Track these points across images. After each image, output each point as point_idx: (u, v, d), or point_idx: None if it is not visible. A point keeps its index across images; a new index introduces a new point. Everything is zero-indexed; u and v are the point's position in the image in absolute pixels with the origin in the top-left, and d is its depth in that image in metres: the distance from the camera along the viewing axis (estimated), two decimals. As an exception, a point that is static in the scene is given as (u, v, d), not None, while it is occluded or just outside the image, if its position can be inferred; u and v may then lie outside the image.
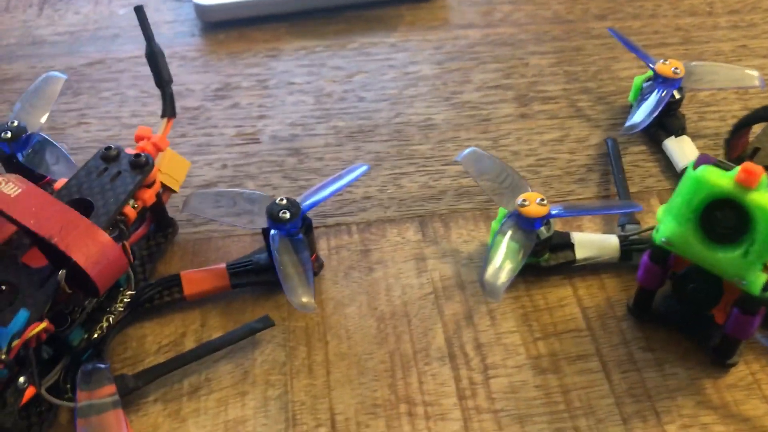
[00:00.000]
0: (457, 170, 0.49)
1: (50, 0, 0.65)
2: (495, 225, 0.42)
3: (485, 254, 0.39)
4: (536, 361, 0.39)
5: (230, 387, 0.39)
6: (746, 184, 0.32)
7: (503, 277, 0.38)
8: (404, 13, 0.61)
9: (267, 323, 0.40)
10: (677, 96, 0.48)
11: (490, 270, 0.38)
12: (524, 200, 0.40)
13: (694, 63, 0.49)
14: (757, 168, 0.32)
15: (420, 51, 0.58)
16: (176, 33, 0.61)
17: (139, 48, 0.59)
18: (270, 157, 0.50)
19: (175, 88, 0.54)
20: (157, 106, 0.54)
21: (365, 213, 0.47)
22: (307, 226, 0.40)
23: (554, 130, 0.51)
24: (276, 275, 0.40)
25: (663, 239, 0.35)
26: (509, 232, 0.40)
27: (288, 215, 0.39)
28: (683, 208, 0.34)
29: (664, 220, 0.35)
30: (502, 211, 0.42)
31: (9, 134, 0.44)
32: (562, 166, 0.49)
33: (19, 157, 0.45)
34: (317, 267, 0.43)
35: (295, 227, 0.39)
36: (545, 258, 0.42)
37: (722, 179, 0.32)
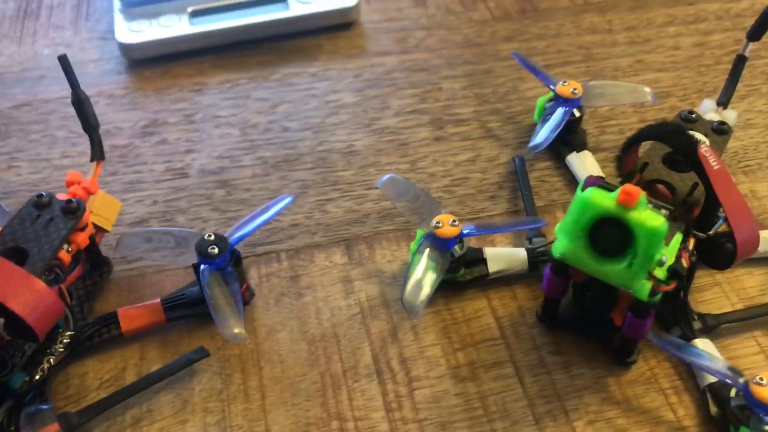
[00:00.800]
0: (379, 194, 0.52)
1: (-27, 42, 0.65)
2: (413, 246, 0.45)
3: (404, 275, 0.42)
4: (456, 370, 0.43)
5: (171, 416, 0.41)
6: (626, 203, 0.35)
7: (422, 296, 0.41)
8: (323, 43, 0.64)
9: (203, 354, 0.42)
10: (577, 114, 0.52)
11: (409, 289, 0.41)
12: (438, 222, 0.43)
13: (591, 83, 0.53)
14: (635, 189, 0.35)
15: (340, 79, 0.61)
16: (102, 71, 0.62)
17: (66, 89, 0.60)
18: (199, 190, 0.52)
19: (104, 126, 0.56)
20: (87, 146, 0.55)
21: (293, 240, 0.49)
22: (236, 259, 0.43)
23: (467, 151, 0.54)
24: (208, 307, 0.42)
25: (558, 254, 0.38)
26: (426, 252, 0.43)
27: (216, 250, 0.41)
28: (573, 227, 0.37)
29: (559, 237, 0.38)
30: (419, 233, 0.45)
31: None
32: (475, 185, 0.52)
33: None
34: (248, 296, 0.46)
35: (223, 261, 0.42)
36: (461, 273, 0.46)
37: (606, 200, 0.36)
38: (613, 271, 0.37)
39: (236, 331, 0.40)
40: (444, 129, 0.56)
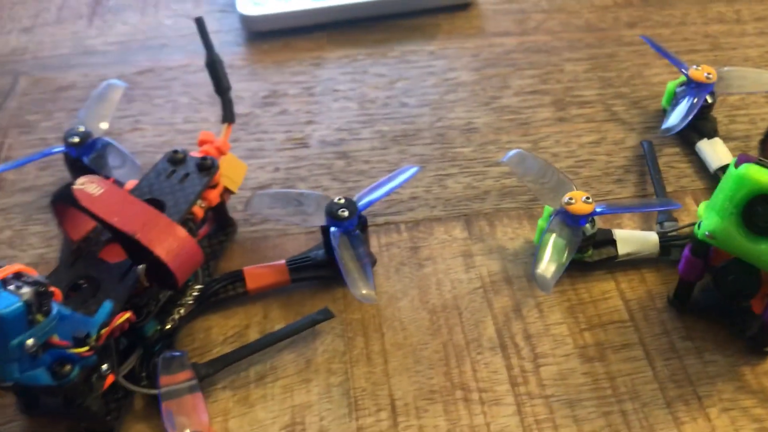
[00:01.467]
0: (500, 171, 0.51)
1: (99, 11, 0.67)
2: (541, 222, 0.44)
3: (535, 250, 0.41)
4: (583, 350, 0.42)
5: (295, 375, 0.41)
6: (787, 180, 0.34)
7: (553, 271, 0.40)
8: (441, 22, 0.64)
9: (327, 315, 0.42)
10: (709, 100, 0.51)
11: (541, 264, 0.41)
12: (570, 198, 0.42)
13: (725, 68, 0.51)
14: (797, 165, 0.34)
15: (458, 58, 0.60)
16: (222, 42, 0.63)
17: (187, 57, 0.62)
18: (319, 160, 0.53)
19: (225, 95, 0.57)
20: (208, 112, 0.56)
21: (412, 212, 0.49)
22: (362, 224, 0.43)
23: (591, 133, 0.53)
24: (333, 270, 0.42)
25: (706, 233, 0.37)
26: (557, 229, 0.42)
27: (347, 213, 0.41)
28: (726, 204, 0.36)
29: (707, 216, 0.37)
30: (547, 209, 0.44)
31: (77, 139, 0.47)
32: (601, 168, 0.51)
33: (85, 160, 0.48)
34: (371, 262, 0.46)
35: (352, 224, 0.42)
36: (589, 254, 0.45)
37: (764, 176, 0.35)
38: (767, 251, 0.35)
39: (365, 291, 0.40)
40: (567, 110, 0.55)
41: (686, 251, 0.40)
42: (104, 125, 0.50)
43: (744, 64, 0.58)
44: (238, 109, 0.57)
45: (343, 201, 0.42)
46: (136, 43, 0.64)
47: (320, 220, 0.43)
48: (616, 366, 0.41)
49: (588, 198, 0.42)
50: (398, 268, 0.46)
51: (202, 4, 0.68)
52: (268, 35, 0.63)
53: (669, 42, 0.60)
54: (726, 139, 0.52)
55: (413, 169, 0.46)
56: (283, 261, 0.45)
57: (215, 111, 0.56)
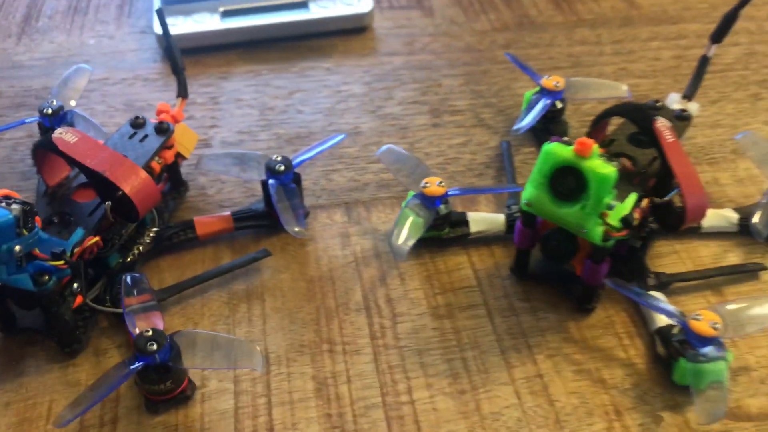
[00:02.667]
0: (379, 167, 0.58)
1: (28, 31, 0.73)
2: (404, 204, 0.51)
3: (393, 225, 0.48)
4: (435, 310, 0.48)
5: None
6: (581, 153, 0.41)
7: (407, 241, 0.47)
8: (338, 43, 0.71)
9: (265, 254, 0.51)
10: (559, 105, 0.58)
11: (397, 236, 0.47)
12: (426, 182, 0.49)
13: (573, 78, 0.59)
14: (589, 141, 0.41)
15: (351, 74, 0.68)
16: (140, 59, 0.70)
17: (107, 71, 0.68)
18: (220, 158, 0.59)
19: (138, 104, 0.64)
20: (122, 118, 0.63)
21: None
22: (297, 179, 0.51)
23: (460, 136, 0.61)
24: (271, 220, 0.52)
25: (525, 201, 0.44)
26: (414, 208, 0.49)
27: (283, 168, 0.49)
28: (537, 175, 0.43)
29: (526, 188, 0.44)
30: (410, 193, 0.51)
31: (50, 110, 0.55)
32: (465, 164, 0.58)
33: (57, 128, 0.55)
34: (305, 213, 0.53)
35: (288, 178, 0.50)
36: (446, 231, 0.51)
37: (564, 151, 0.42)
38: (569, 213, 0.43)
39: (297, 228, 0.48)
40: (441, 117, 0.63)
41: (518, 223, 0.47)
42: (73, 102, 0.57)
43: (598, 78, 0.66)
44: (150, 115, 0.63)
45: (280, 158, 0.50)
46: (61, 59, 0.70)
47: (260, 174, 0.50)
48: (461, 322, 0.47)
49: (441, 182, 0.49)
50: (283, 247, 0.52)
51: (123, 26, 0.74)
52: (182, 53, 0.69)
53: (536, 60, 0.68)
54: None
55: (340, 136, 0.54)
56: (228, 212, 0.52)
57: (128, 117, 0.63)
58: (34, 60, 0.70)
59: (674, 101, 0.56)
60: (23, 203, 0.41)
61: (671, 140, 0.46)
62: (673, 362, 0.43)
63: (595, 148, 0.42)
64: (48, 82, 0.67)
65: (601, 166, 0.41)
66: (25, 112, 0.64)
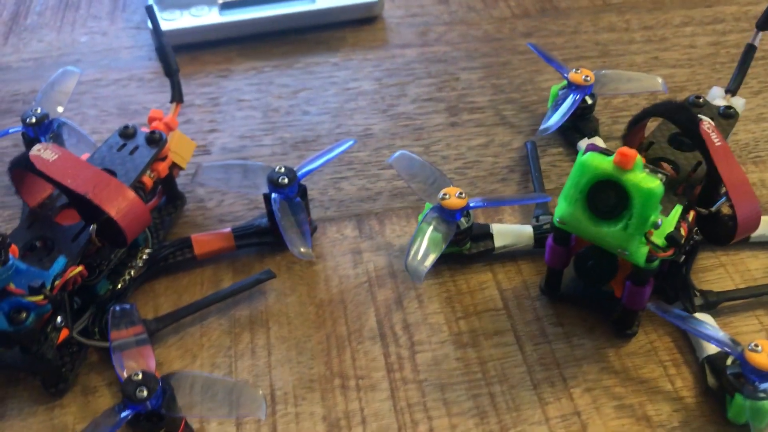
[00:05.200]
0: (392, 174, 0.53)
1: (15, 30, 0.69)
2: (420, 217, 0.46)
3: (408, 243, 0.43)
4: (457, 337, 0.44)
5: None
6: (622, 165, 0.36)
7: (425, 262, 0.42)
8: (347, 35, 0.66)
9: (270, 275, 0.46)
10: (589, 101, 0.53)
11: (413, 255, 0.43)
12: (445, 194, 0.44)
13: (603, 71, 0.54)
14: (631, 151, 0.36)
15: (360, 69, 0.63)
16: (134, 57, 0.65)
17: (100, 71, 0.64)
18: (220, 166, 0.54)
19: (133, 107, 0.59)
20: (115, 123, 0.58)
21: (307, 214, 0.51)
22: (302, 191, 0.46)
23: (481, 137, 0.56)
24: (275, 236, 0.47)
25: (558, 219, 0.39)
26: (432, 222, 0.44)
27: (287, 180, 0.45)
28: (572, 190, 0.38)
29: (559, 203, 0.40)
30: (427, 206, 0.46)
31: (34, 119, 0.50)
32: (487, 168, 0.53)
33: (42, 139, 0.51)
34: (312, 229, 0.48)
35: (292, 191, 0.45)
36: (467, 247, 0.47)
37: (603, 162, 0.37)
38: (609, 233, 0.38)
39: (303, 249, 0.43)
40: (459, 116, 0.58)
41: (549, 240, 0.42)
42: (60, 108, 0.52)
43: (630, 70, 0.61)
44: (144, 119, 0.58)
45: (283, 170, 0.45)
46: (51, 60, 0.65)
47: (263, 188, 0.45)
48: (487, 351, 0.43)
49: (461, 193, 0.44)
50: (289, 266, 0.48)
51: (117, 21, 0.69)
52: (178, 50, 0.64)
53: (561, 50, 0.63)
54: (609, 139, 0.55)
55: (349, 142, 0.49)
56: (229, 228, 0.48)
57: (122, 122, 0.58)
58: (22, 61, 0.65)
59: (717, 96, 0.51)
60: None
61: (719, 144, 0.41)
62: (726, 397, 0.39)
63: (639, 159, 0.37)
64: (37, 85, 0.62)
65: (645, 180, 0.36)
66: (12, 119, 0.59)
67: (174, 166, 0.49)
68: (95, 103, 0.60)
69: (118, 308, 0.40)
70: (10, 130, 0.52)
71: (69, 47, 0.67)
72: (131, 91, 0.61)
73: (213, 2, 0.66)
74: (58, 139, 0.51)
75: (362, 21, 0.67)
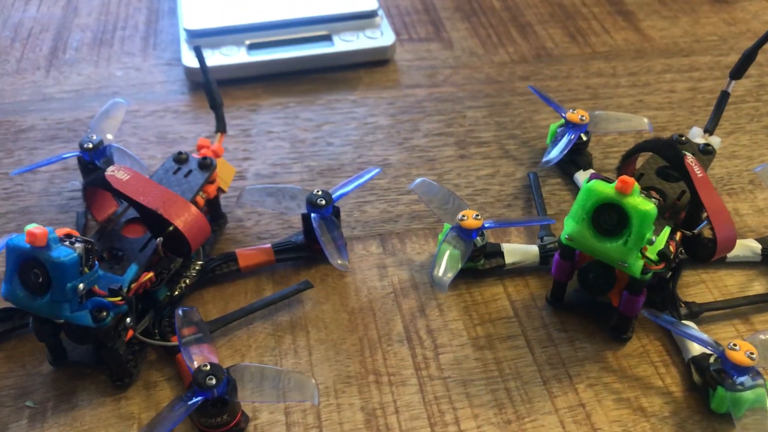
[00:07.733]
0: (411, 199, 0.60)
1: (56, 64, 0.75)
2: (441, 236, 0.53)
3: (433, 258, 0.50)
4: (475, 341, 0.50)
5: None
6: (623, 191, 0.43)
7: (448, 273, 0.49)
8: (362, 76, 0.73)
9: (307, 285, 0.52)
10: (584, 138, 0.60)
11: (438, 269, 0.49)
12: (463, 216, 0.51)
13: (597, 112, 0.61)
14: (630, 179, 0.43)
15: (377, 106, 0.69)
16: (168, 91, 0.71)
17: (137, 103, 0.69)
18: (254, 190, 0.60)
19: (170, 136, 0.65)
20: (155, 150, 0.64)
21: (335, 233, 0.57)
22: (336, 212, 0.52)
23: (487, 168, 0.63)
24: (311, 251, 0.54)
25: (566, 236, 0.46)
26: (452, 241, 0.50)
27: (324, 202, 0.51)
28: (579, 211, 0.45)
29: (567, 223, 0.46)
30: (446, 226, 0.52)
31: (91, 145, 0.56)
32: (494, 195, 0.60)
33: (97, 163, 0.56)
34: (344, 243, 0.53)
35: (328, 211, 0.51)
36: (481, 263, 0.53)
37: (606, 188, 0.44)
38: (611, 248, 0.44)
39: (340, 261, 0.50)
40: (467, 149, 0.64)
41: (556, 256, 0.49)
42: (110, 136, 0.58)
43: (617, 110, 0.68)
44: (183, 147, 0.64)
45: (320, 192, 0.51)
46: (90, 91, 0.71)
47: (301, 208, 0.52)
48: (502, 353, 0.49)
49: (477, 215, 0.51)
50: (323, 278, 0.54)
51: (149, 58, 0.76)
52: (209, 85, 0.71)
53: (556, 92, 0.71)
54: (600, 171, 0.61)
55: (376, 170, 0.56)
56: (269, 244, 0.54)
57: (161, 150, 0.64)
58: (63, 92, 0.71)
59: (696, 135, 0.58)
60: (85, 241, 0.42)
61: (701, 175, 0.48)
62: (710, 390, 0.45)
63: (636, 185, 0.43)
64: (79, 115, 0.68)
65: (642, 203, 0.43)
66: (58, 145, 0.65)
67: (217, 189, 0.55)
68: (135, 132, 0.66)
69: (182, 311, 0.46)
70: (65, 155, 0.58)
71: (106, 80, 0.73)
72: (168, 122, 0.67)
73: (241, 43, 0.73)
74: (109, 163, 0.57)
75: (376, 63, 0.74)
